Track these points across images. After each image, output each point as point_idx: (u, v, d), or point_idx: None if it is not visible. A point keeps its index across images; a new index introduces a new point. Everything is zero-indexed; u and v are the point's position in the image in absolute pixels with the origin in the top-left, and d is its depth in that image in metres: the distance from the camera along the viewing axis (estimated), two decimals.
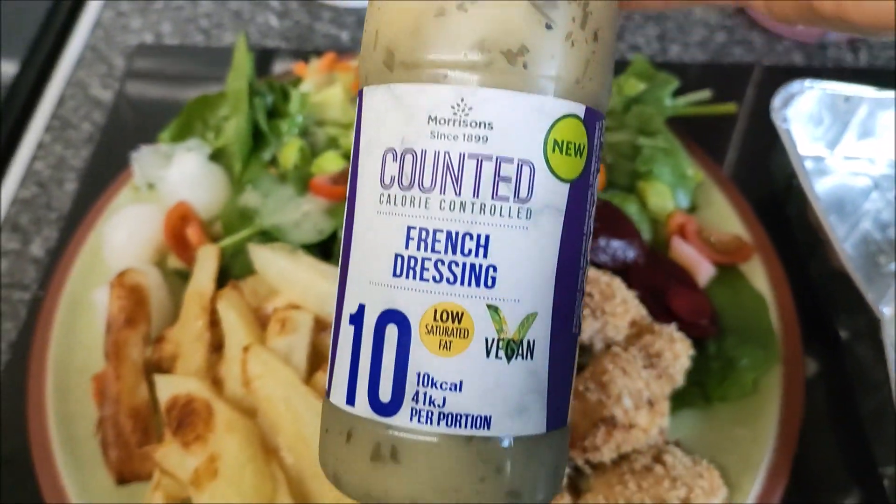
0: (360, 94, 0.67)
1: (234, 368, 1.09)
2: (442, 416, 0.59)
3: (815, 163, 1.47)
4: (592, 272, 1.18)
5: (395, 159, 0.61)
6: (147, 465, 1.09)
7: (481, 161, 0.59)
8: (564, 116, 0.61)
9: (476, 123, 0.59)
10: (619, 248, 1.26)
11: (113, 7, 1.91)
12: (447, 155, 0.59)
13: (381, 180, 0.62)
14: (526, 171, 0.60)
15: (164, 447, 1.05)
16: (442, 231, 0.59)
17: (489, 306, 0.59)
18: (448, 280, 0.59)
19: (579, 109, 0.61)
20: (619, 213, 1.30)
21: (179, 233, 1.31)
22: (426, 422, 0.60)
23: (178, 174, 1.35)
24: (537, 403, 0.63)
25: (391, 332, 0.59)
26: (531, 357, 0.61)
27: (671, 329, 1.16)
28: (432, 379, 0.59)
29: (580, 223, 0.64)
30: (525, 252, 0.60)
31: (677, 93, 1.47)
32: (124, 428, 1.12)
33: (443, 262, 0.58)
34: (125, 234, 1.30)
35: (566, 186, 0.61)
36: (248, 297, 1.22)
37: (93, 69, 1.78)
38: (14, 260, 1.46)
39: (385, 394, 0.60)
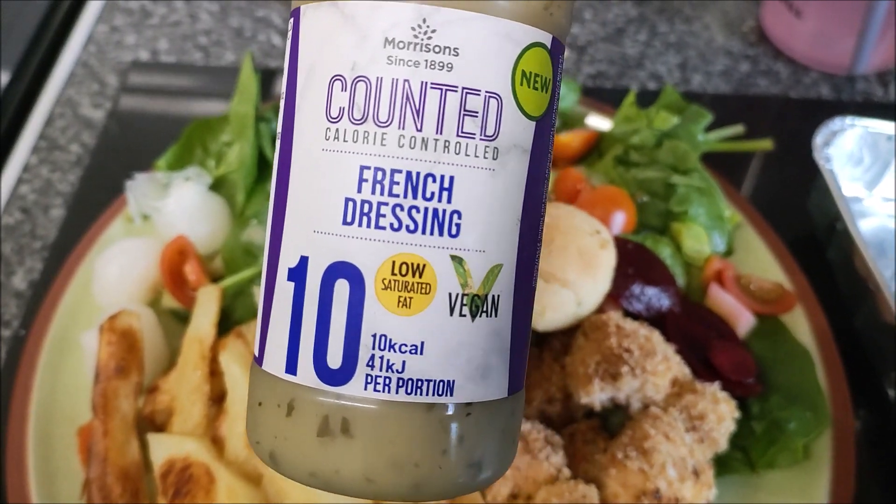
0: (296, 13, 0.58)
1: (237, 427, 0.99)
2: (401, 383, 0.53)
3: (853, 204, 1.39)
4: (629, 324, 1.09)
5: (343, 88, 0.54)
6: None
7: (445, 92, 0.53)
8: (532, 45, 0.56)
9: (440, 49, 0.53)
10: (654, 296, 1.17)
11: (107, 21, 1.81)
12: (407, 84, 0.53)
13: (328, 113, 0.55)
14: (493, 105, 0.54)
15: None
16: (401, 171, 0.53)
17: (453, 257, 0.54)
18: (408, 228, 0.53)
19: (546, 39, 0.57)
20: (653, 258, 1.20)
21: (176, 270, 1.21)
22: (383, 390, 0.54)
23: (176, 205, 1.24)
24: (501, 365, 0.57)
25: (341, 288, 0.53)
26: (496, 314, 0.56)
27: (715, 388, 1.06)
28: (390, 341, 0.53)
29: (543, 166, 0.59)
30: (491, 196, 0.55)
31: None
32: (112, 491, 1.01)
33: (402, 208, 0.53)
34: (117, 270, 1.19)
35: (532, 124, 0.56)
36: (251, 343, 1.12)
37: (84, 87, 1.67)
38: None
39: (334, 359, 0.54)
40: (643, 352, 1.05)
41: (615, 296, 1.15)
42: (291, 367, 0.55)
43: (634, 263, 1.17)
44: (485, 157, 0.54)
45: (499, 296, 0.56)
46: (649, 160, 1.28)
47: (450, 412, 0.55)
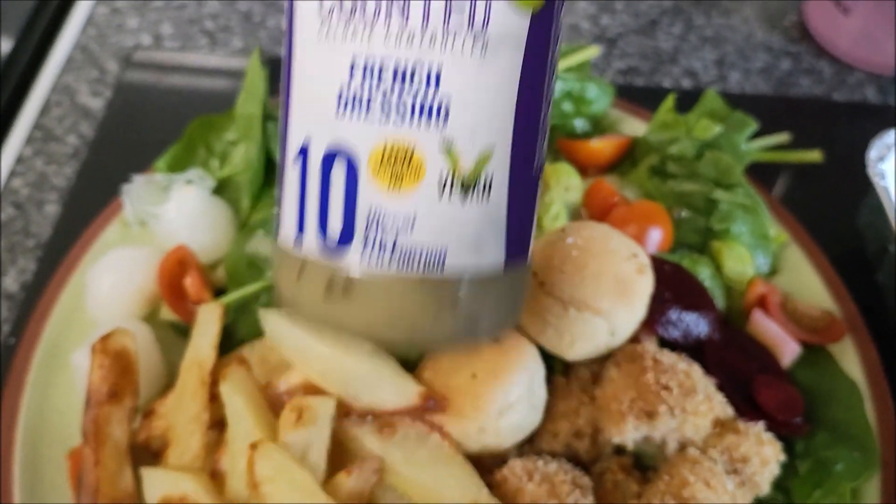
0: None
1: (238, 464, 0.91)
2: (394, 255, 0.59)
3: None
4: (667, 357, 1.00)
5: None
6: None
7: None
8: None
9: None
10: (693, 323, 1.07)
11: (107, 4, 1.71)
12: None
13: (320, 7, 0.58)
14: None
15: None
16: (389, 64, 0.55)
17: (442, 142, 0.57)
18: (397, 114, 0.56)
19: None
20: (692, 280, 1.11)
21: (176, 282, 1.12)
22: (377, 261, 0.60)
23: (176, 211, 1.15)
24: (495, 241, 0.63)
25: (338, 169, 0.58)
26: (488, 196, 0.60)
27: (759, 429, 0.98)
28: (383, 217, 0.58)
29: (542, 60, 0.59)
30: (481, 86, 0.56)
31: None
32: None
33: (391, 96, 0.56)
34: (111, 281, 1.10)
35: (527, 17, 0.56)
36: (256, 366, 1.03)
37: (82, 73, 1.58)
38: None
39: (334, 233, 0.60)
40: (683, 389, 0.96)
41: (650, 322, 1.06)
42: (299, 238, 0.63)
43: (672, 287, 1.08)
44: (472, 50, 0.55)
45: (491, 178, 0.59)
46: (688, 172, 1.19)
47: (442, 282, 0.61)
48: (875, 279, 1.22)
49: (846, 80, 1.61)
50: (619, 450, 1.06)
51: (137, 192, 1.17)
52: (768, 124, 1.34)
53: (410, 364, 1.04)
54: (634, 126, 1.34)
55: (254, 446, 0.87)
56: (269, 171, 1.22)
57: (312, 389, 0.97)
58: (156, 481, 0.91)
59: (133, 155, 1.32)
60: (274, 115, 1.24)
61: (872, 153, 1.18)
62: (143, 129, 1.50)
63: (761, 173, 1.28)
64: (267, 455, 0.87)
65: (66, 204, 1.39)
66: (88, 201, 1.31)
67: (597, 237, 1.01)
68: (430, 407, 0.96)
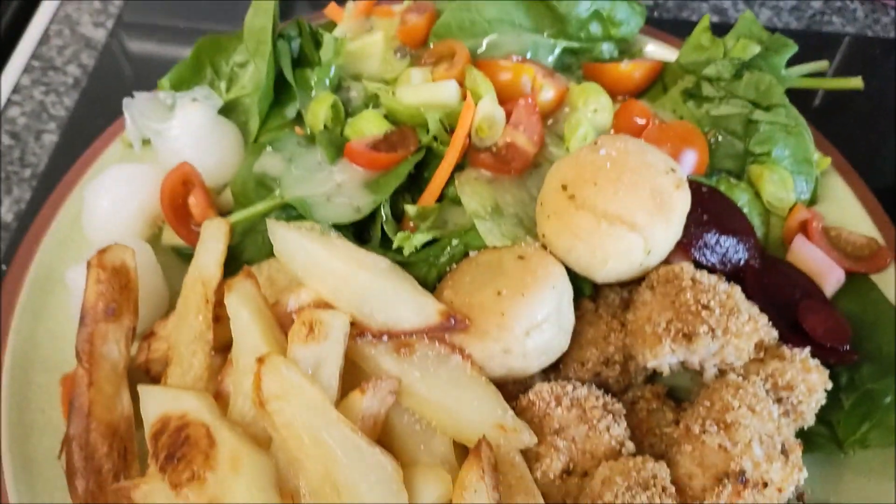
0: None
1: (244, 382, 0.84)
2: None
3: None
4: (707, 277, 0.92)
5: None
6: None
7: None
8: None
9: None
10: (731, 248, 1.00)
11: None
12: None
13: None
14: None
15: (147, 484, 0.79)
16: None
17: None
18: None
19: None
20: (730, 204, 1.04)
21: (179, 201, 1.05)
22: None
23: (181, 129, 1.08)
24: None
25: None
26: None
27: (805, 355, 0.90)
28: None
29: None
30: None
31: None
32: (96, 451, 0.86)
33: None
34: (110, 200, 1.03)
35: None
36: (264, 286, 0.96)
37: (84, 4, 1.51)
38: None
39: None
40: (725, 310, 0.88)
41: (685, 245, 0.99)
42: None
43: (709, 210, 1.00)
44: None
45: None
46: (726, 94, 1.11)
47: None
48: None
49: (880, 20, 1.53)
50: (651, 380, 1.00)
51: (140, 107, 1.10)
52: (803, 59, 1.27)
53: (429, 281, 0.98)
54: (664, 54, 1.26)
55: (261, 360, 0.80)
56: (279, 90, 1.14)
57: (324, 307, 0.90)
58: (154, 399, 0.84)
59: (134, 85, 1.24)
60: (285, 33, 1.17)
61: None
62: (146, 61, 1.44)
63: (798, 106, 1.21)
64: (275, 370, 0.80)
65: (65, 134, 1.32)
66: (88, 131, 1.24)
67: (632, 150, 0.93)
68: (451, 326, 0.89)
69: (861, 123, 1.29)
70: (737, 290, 0.92)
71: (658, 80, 1.21)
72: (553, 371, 0.98)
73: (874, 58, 1.44)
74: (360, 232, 1.05)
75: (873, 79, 1.33)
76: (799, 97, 1.20)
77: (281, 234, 0.92)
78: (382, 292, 0.89)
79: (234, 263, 1.00)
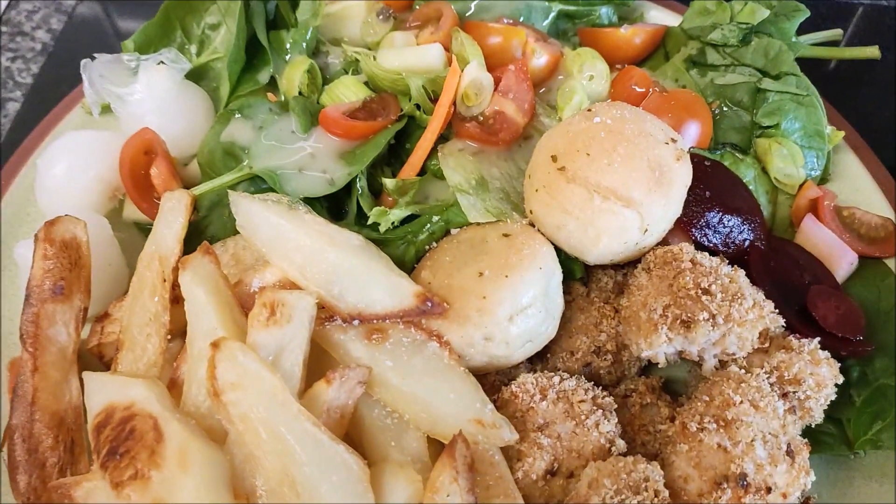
0: None
1: (198, 369, 0.76)
2: None
3: None
4: (708, 260, 0.84)
5: None
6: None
7: None
8: None
9: None
10: (736, 228, 0.92)
11: None
12: None
13: None
14: None
15: (89, 482, 0.72)
16: None
17: None
18: None
19: None
20: (736, 180, 0.96)
21: (140, 172, 0.97)
22: None
23: (145, 93, 1.00)
24: None
25: None
26: None
27: (814, 346, 0.83)
28: None
29: None
30: None
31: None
32: (41, 443, 0.79)
33: None
34: (64, 168, 0.96)
35: None
36: (229, 264, 0.89)
37: None
38: None
39: None
40: (727, 295, 0.81)
41: (685, 224, 0.91)
42: None
43: (712, 186, 0.92)
44: None
45: None
46: (732, 61, 1.03)
47: None
48: None
49: None
50: (645, 371, 0.92)
51: (100, 70, 1.02)
52: (814, 28, 1.19)
53: (407, 261, 0.90)
54: (667, 19, 1.18)
55: (216, 345, 0.73)
56: (252, 54, 1.06)
57: (290, 287, 0.83)
58: (99, 387, 0.76)
59: (104, 50, 1.17)
60: None
61: None
62: (121, 23, 1.36)
63: (809, 77, 1.13)
64: (231, 357, 0.73)
65: (28, 101, 1.25)
66: (53, 97, 1.16)
67: (629, 118, 0.85)
68: (428, 310, 0.81)
69: (876, 96, 1.21)
70: (740, 274, 0.84)
71: (660, 47, 1.13)
72: (540, 360, 0.90)
73: (888, 28, 1.36)
74: (335, 207, 0.97)
75: (889, 50, 1.26)
76: (810, 68, 1.12)
77: (244, 206, 0.84)
78: (353, 272, 0.82)
79: (198, 239, 0.92)
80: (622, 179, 0.82)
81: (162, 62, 1.04)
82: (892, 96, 1.20)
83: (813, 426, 0.85)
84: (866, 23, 1.39)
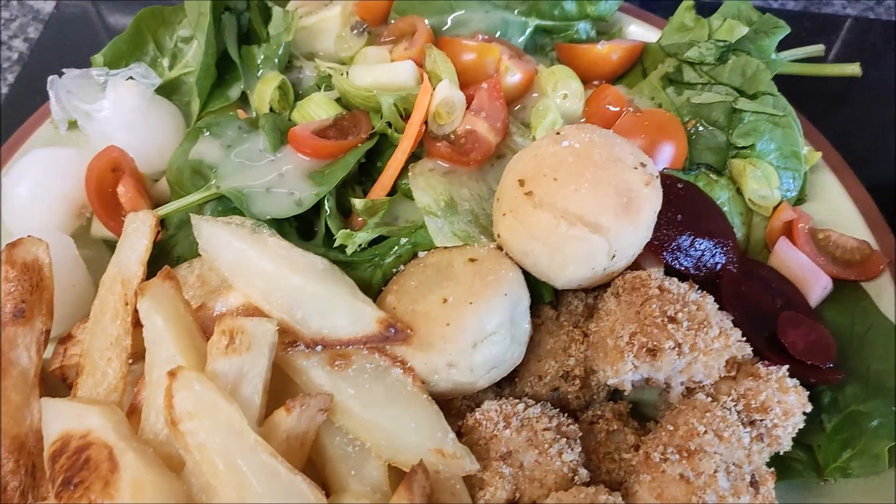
0: None
1: (157, 397, 0.76)
2: None
3: None
4: (676, 286, 0.83)
5: None
6: None
7: None
8: None
9: None
10: (707, 251, 0.91)
11: None
12: None
13: None
14: None
15: None
16: None
17: None
18: None
19: None
20: (708, 202, 0.95)
21: (107, 189, 0.97)
22: None
23: (112, 110, 0.99)
24: None
25: None
26: None
27: (783, 374, 0.82)
28: None
29: None
30: None
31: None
32: (1, 467, 0.78)
33: None
34: (28, 187, 0.95)
35: None
36: (194, 286, 0.88)
37: None
38: None
39: None
40: (693, 323, 0.80)
41: (657, 248, 0.90)
42: None
43: (684, 208, 0.91)
44: None
45: None
46: (709, 80, 1.02)
47: None
48: None
49: (884, 1, 1.43)
50: (615, 395, 0.91)
51: (67, 86, 1.01)
52: (798, 43, 1.18)
53: (374, 285, 0.89)
54: (647, 35, 1.17)
55: (172, 374, 0.72)
56: (224, 69, 1.05)
57: (253, 312, 0.82)
58: (56, 414, 0.76)
59: (82, 63, 1.16)
60: (232, 5, 1.08)
61: None
62: (95, 32, 1.35)
63: (790, 95, 1.11)
64: (188, 386, 0.72)
65: (4, 116, 1.24)
66: (26, 110, 1.15)
67: (598, 142, 0.84)
68: (391, 337, 0.80)
69: (858, 115, 1.20)
70: (708, 301, 0.83)
71: (637, 64, 1.12)
72: (508, 384, 0.89)
73: (875, 43, 1.35)
74: (305, 227, 0.96)
75: (874, 67, 1.24)
76: (792, 83, 1.11)
77: (207, 230, 0.83)
78: (316, 297, 0.81)
79: (165, 259, 0.92)
80: (589, 205, 0.81)
81: (131, 77, 1.03)
82: (875, 113, 1.18)
83: (782, 452, 0.84)
84: (853, 36, 1.38)
